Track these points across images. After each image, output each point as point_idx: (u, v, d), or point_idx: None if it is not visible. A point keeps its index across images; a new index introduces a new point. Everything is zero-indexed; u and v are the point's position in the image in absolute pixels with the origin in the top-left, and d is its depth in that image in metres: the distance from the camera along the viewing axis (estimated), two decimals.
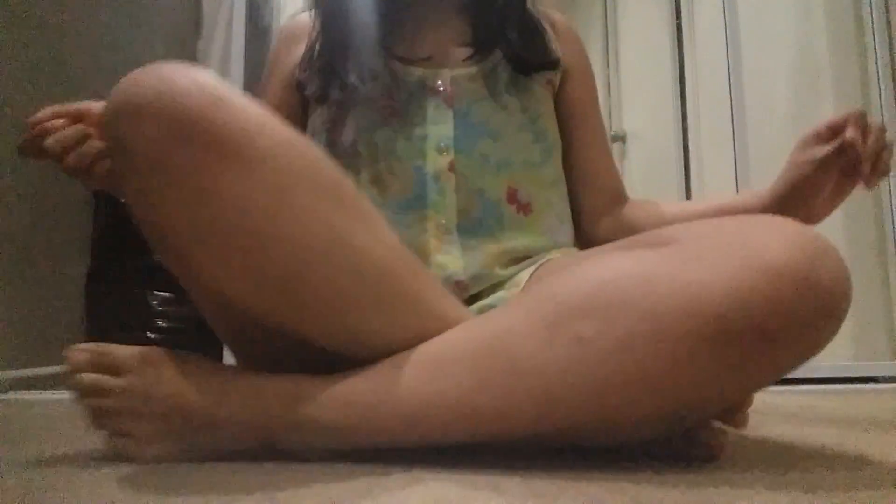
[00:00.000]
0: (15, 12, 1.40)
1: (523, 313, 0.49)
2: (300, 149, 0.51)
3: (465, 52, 0.75)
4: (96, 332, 1.52)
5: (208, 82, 0.49)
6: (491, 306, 0.65)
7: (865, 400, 1.04)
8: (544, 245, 0.72)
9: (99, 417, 0.53)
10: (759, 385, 0.47)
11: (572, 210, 0.81)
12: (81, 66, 1.59)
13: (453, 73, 0.74)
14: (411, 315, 0.53)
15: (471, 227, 0.70)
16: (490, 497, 0.42)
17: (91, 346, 0.53)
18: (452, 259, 0.68)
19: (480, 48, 0.75)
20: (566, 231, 0.77)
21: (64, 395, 1.17)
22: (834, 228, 1.62)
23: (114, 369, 0.52)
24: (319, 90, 0.75)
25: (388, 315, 0.53)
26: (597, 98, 0.86)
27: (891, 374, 1.44)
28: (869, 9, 1.63)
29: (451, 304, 0.58)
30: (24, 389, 1.31)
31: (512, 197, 0.72)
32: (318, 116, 0.76)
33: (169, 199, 0.48)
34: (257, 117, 0.49)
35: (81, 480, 0.48)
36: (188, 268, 0.52)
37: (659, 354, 0.43)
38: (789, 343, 0.43)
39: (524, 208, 0.72)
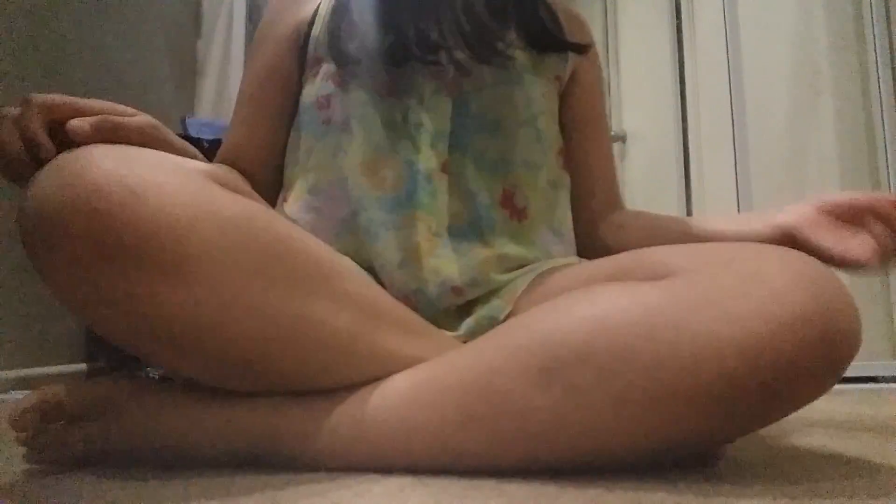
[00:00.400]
0: (14, 13, 1.40)
1: (513, 352, 0.47)
2: (244, 226, 0.46)
3: (474, 28, 0.69)
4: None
5: (127, 173, 0.43)
6: (488, 317, 0.63)
7: (865, 400, 1.04)
8: (537, 256, 0.69)
9: (65, 463, 0.51)
10: (757, 429, 0.46)
11: (584, 222, 0.78)
12: (81, 66, 1.59)
13: (457, 55, 0.68)
14: (382, 369, 0.52)
15: (461, 230, 0.66)
16: (490, 497, 0.42)
17: (37, 399, 0.49)
18: (446, 263, 0.65)
19: (493, 25, 0.70)
20: (564, 242, 0.73)
21: None
22: None
23: (69, 419, 0.50)
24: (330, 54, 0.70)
25: (357, 371, 0.52)
26: (604, 100, 0.82)
27: (891, 374, 1.44)
28: (869, 8, 1.63)
29: (428, 345, 0.55)
30: (24, 389, 1.30)
31: (507, 200, 0.68)
32: (312, 89, 0.71)
33: (106, 319, 0.45)
34: (189, 206, 0.44)
35: (81, 481, 0.48)
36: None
37: (659, 408, 0.42)
38: (795, 397, 0.42)
39: (518, 213, 0.69)
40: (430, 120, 0.67)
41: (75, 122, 0.48)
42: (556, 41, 0.74)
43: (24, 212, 0.43)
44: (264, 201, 0.55)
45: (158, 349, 0.47)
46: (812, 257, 0.44)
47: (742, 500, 0.40)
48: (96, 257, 0.41)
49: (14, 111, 0.48)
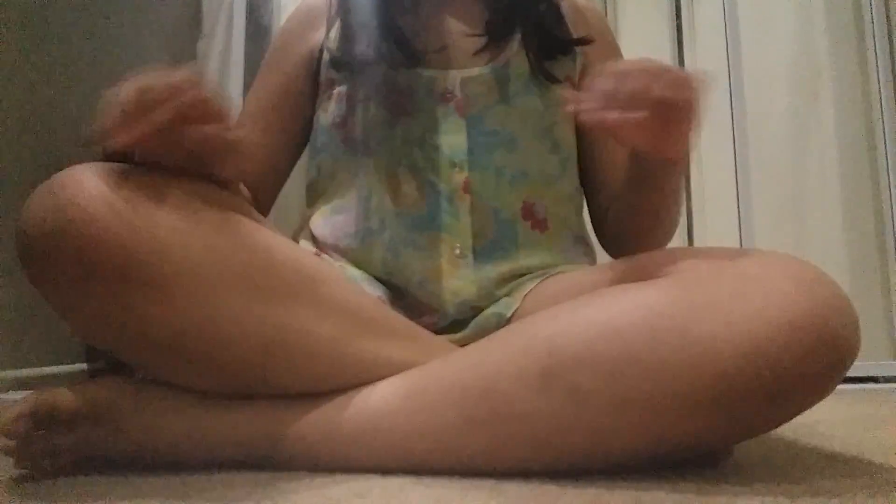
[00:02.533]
0: (15, 13, 1.40)
1: (516, 356, 0.47)
2: (225, 239, 0.48)
3: (478, 43, 0.69)
4: None
5: (111, 195, 0.44)
6: (496, 314, 0.63)
7: (865, 400, 1.04)
8: (558, 263, 0.68)
9: (56, 471, 0.51)
10: (761, 433, 0.46)
11: (596, 218, 0.77)
12: (82, 65, 1.59)
13: (463, 73, 0.68)
14: (371, 375, 0.52)
15: (485, 249, 0.65)
16: (490, 497, 0.42)
17: (30, 405, 0.49)
18: (466, 285, 0.64)
19: (496, 36, 0.69)
20: (584, 252, 0.73)
21: None
22: (834, 228, 1.61)
23: (63, 424, 0.49)
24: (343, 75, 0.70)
25: (344, 377, 0.52)
26: None
27: (891, 374, 1.44)
28: (869, 9, 1.63)
29: (418, 349, 0.55)
30: (24, 389, 1.30)
31: (527, 212, 0.67)
32: (327, 111, 0.72)
33: (98, 333, 0.47)
34: (169, 223, 0.45)
35: (82, 482, 0.48)
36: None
37: (660, 411, 0.42)
38: (794, 400, 0.42)
39: (540, 224, 0.68)
40: (446, 141, 0.66)
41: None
42: (560, 43, 0.72)
43: (19, 233, 0.45)
44: (254, 210, 0.55)
45: (148, 359, 0.49)
46: (812, 264, 0.45)
47: (742, 500, 0.40)
48: (84, 278, 0.43)
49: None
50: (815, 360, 0.41)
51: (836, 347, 0.41)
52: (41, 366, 1.39)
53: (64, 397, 0.49)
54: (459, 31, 0.71)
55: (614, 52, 0.79)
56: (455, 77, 0.68)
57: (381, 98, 0.68)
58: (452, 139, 0.67)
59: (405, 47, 0.68)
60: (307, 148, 0.77)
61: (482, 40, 0.70)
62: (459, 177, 0.66)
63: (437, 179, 0.66)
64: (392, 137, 0.67)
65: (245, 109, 0.77)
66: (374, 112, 0.68)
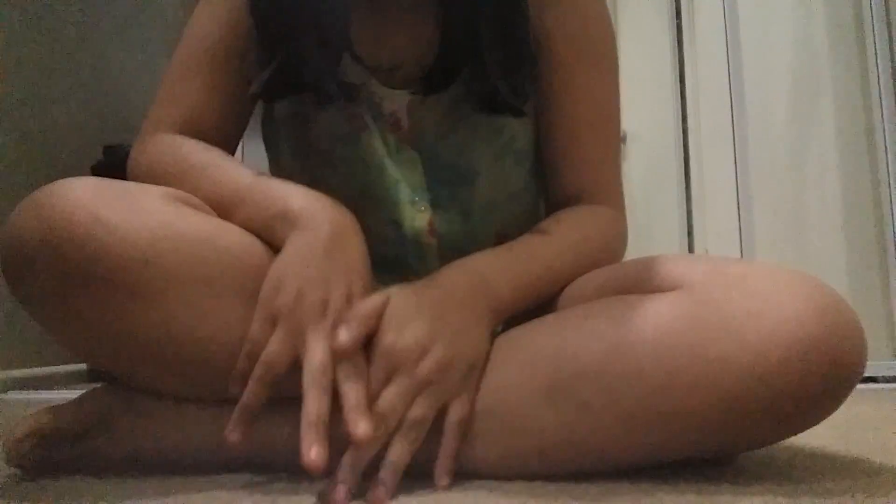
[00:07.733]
0: (15, 14, 1.40)
1: (523, 370, 0.46)
2: (210, 244, 0.47)
3: (425, 66, 0.59)
4: None
5: (94, 202, 0.44)
6: None
7: (865, 400, 1.04)
8: None
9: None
10: (766, 445, 0.47)
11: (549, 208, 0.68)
12: (82, 66, 1.59)
13: (410, 97, 0.60)
14: None
15: None
16: (490, 497, 0.42)
17: (34, 426, 0.49)
18: None
19: (448, 62, 0.58)
20: None
21: (63, 395, 1.17)
22: (834, 228, 1.61)
23: (65, 441, 0.50)
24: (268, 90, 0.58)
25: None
26: (592, 73, 0.63)
27: (891, 374, 1.44)
28: (869, 8, 1.63)
29: None
30: (24, 389, 1.31)
31: (501, 242, 0.59)
32: (281, 116, 0.63)
33: (84, 342, 0.47)
34: (154, 228, 0.45)
35: (81, 482, 0.48)
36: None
37: (668, 427, 0.43)
38: (803, 418, 0.43)
39: None
40: (403, 176, 0.61)
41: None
42: (511, 105, 0.58)
43: (2, 243, 0.45)
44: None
45: (133, 367, 0.49)
46: (822, 281, 0.44)
47: (742, 500, 0.40)
48: (69, 285, 0.43)
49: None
50: (825, 382, 0.41)
51: (845, 370, 0.41)
52: (41, 366, 1.39)
53: (65, 416, 0.50)
54: (408, 49, 0.61)
55: (581, 36, 0.63)
56: (401, 100, 0.60)
57: (337, 104, 0.59)
58: (409, 175, 0.61)
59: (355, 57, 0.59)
60: (264, 147, 0.68)
61: (430, 63, 0.59)
62: (423, 217, 0.61)
63: (400, 219, 0.60)
64: (355, 152, 0.60)
65: (192, 55, 0.62)
66: (332, 119, 0.60)
